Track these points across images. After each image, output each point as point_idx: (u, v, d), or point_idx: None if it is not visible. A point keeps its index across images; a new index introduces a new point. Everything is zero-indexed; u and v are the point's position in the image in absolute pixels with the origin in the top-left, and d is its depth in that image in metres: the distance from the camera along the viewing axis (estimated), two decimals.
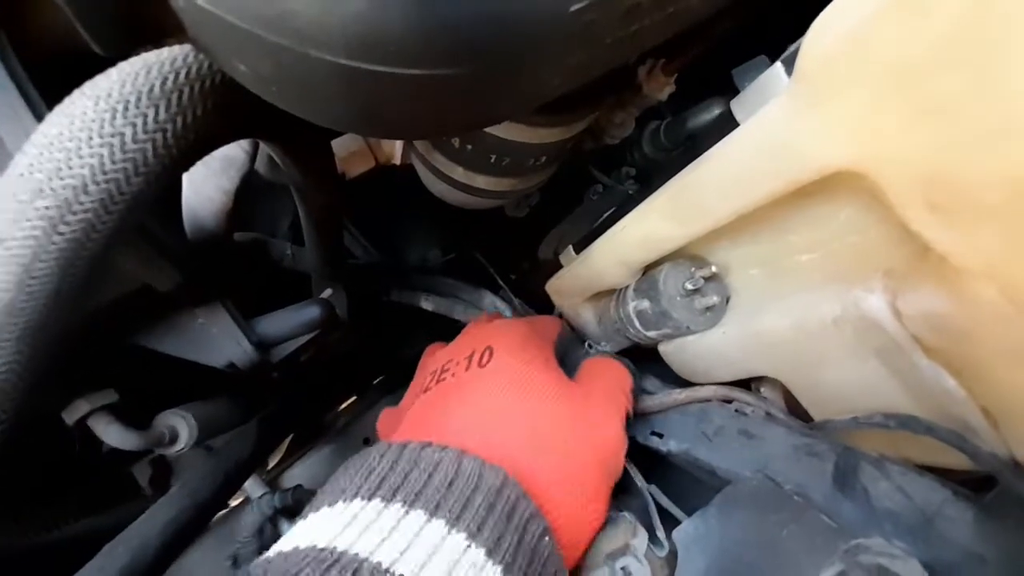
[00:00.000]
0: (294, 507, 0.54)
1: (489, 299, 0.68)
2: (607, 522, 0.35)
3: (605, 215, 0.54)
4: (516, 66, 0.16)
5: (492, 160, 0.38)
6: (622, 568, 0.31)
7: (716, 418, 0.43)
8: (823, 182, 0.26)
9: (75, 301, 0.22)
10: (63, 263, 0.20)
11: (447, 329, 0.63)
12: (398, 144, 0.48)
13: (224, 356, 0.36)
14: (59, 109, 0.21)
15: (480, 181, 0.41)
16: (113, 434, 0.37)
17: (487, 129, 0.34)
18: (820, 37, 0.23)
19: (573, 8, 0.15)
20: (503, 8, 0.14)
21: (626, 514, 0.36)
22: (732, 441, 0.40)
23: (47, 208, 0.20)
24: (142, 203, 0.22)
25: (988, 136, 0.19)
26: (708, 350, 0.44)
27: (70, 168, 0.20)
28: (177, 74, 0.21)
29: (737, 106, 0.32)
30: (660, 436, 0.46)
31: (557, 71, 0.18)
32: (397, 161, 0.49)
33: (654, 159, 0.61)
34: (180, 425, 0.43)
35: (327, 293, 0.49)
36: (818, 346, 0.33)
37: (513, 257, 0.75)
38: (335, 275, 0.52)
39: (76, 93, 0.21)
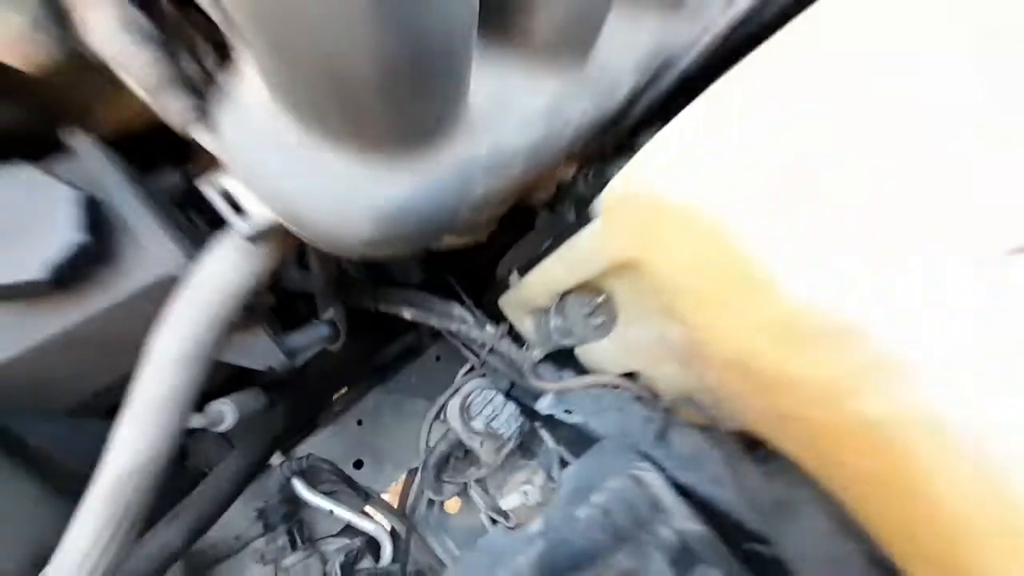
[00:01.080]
0: (307, 471, 0.73)
1: (458, 311, 0.86)
2: (521, 466, 0.54)
3: (547, 243, 0.72)
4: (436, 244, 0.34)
5: None
6: (524, 491, 0.51)
7: (603, 400, 0.62)
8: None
9: None
10: None
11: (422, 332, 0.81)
12: None
13: (264, 362, 0.54)
14: None
15: (445, 240, 0.59)
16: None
17: None
18: (611, 192, 0.41)
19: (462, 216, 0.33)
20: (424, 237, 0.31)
21: (534, 463, 0.55)
22: (611, 414, 0.59)
23: None
24: None
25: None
26: (602, 353, 0.64)
27: None
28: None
29: None
30: (569, 412, 0.65)
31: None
32: None
33: (585, 195, 0.80)
34: (227, 410, 0.62)
35: (330, 313, 0.67)
36: (648, 350, 0.53)
37: (477, 276, 0.93)
38: (336, 294, 0.69)
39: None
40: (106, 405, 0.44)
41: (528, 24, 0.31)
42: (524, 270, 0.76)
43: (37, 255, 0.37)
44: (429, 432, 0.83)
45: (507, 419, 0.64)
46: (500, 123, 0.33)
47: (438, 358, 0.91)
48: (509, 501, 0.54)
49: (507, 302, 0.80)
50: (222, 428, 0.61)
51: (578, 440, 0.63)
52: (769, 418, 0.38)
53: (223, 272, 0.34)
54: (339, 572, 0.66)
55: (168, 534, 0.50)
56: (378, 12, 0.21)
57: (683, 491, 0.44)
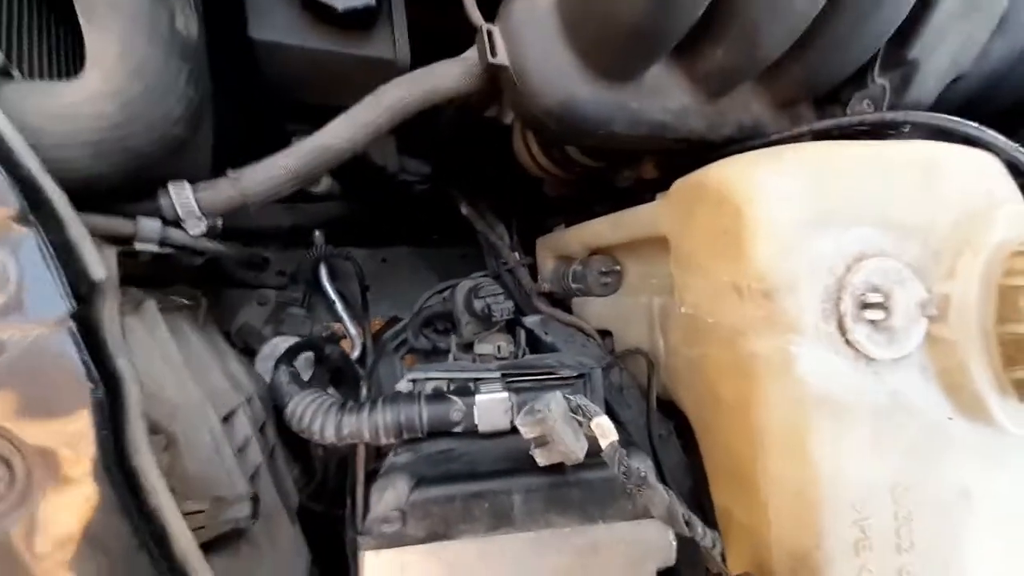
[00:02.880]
0: (335, 264, 0.90)
1: (501, 228, 1.04)
2: (502, 335, 0.71)
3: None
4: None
5: (553, 153, 0.75)
6: (498, 346, 0.68)
7: (576, 338, 0.80)
8: (662, 239, 0.63)
9: None
10: None
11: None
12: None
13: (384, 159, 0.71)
14: None
15: (542, 160, 0.77)
16: None
17: None
18: (683, 179, 0.59)
19: None
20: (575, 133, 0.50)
21: (511, 337, 0.73)
22: (576, 347, 0.77)
23: None
24: None
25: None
26: (593, 309, 0.82)
27: None
28: None
29: None
30: (546, 333, 0.83)
31: None
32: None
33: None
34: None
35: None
36: (631, 314, 0.71)
37: (533, 219, 1.11)
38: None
39: None
40: None
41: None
42: (569, 224, 0.95)
43: None
44: (430, 297, 1.00)
45: (503, 309, 0.81)
46: (648, 97, 0.51)
47: (463, 256, 1.09)
48: (483, 348, 0.71)
49: (543, 243, 0.98)
50: (318, 188, 0.78)
51: (544, 351, 0.80)
52: (685, 364, 0.56)
53: (454, 74, 0.51)
54: (325, 335, 0.82)
55: (279, 211, 0.65)
56: None
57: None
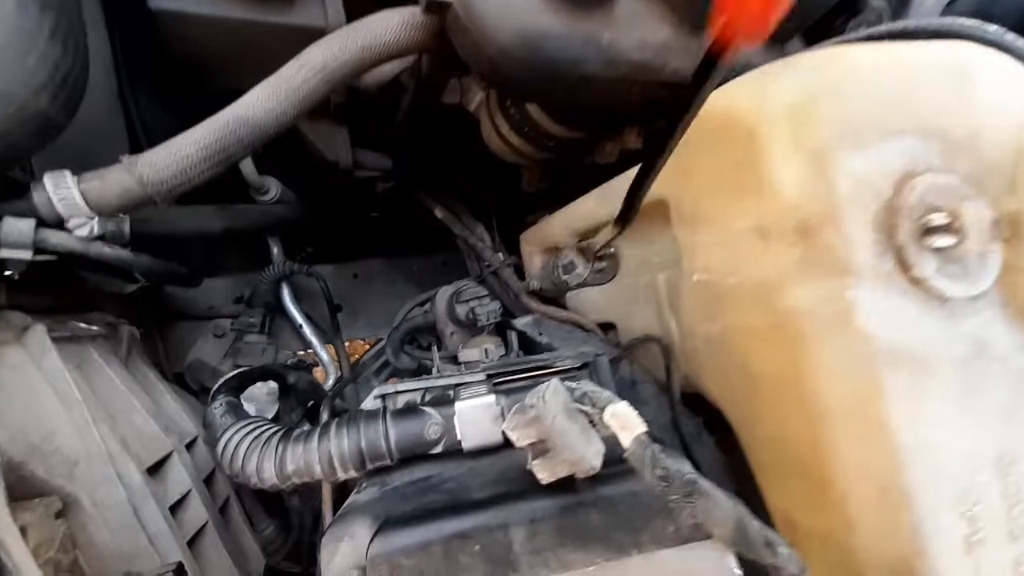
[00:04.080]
0: (297, 282, 0.80)
1: (480, 229, 0.95)
2: (489, 338, 0.62)
3: None
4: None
5: (524, 130, 0.67)
6: (485, 350, 0.58)
7: (574, 334, 0.71)
8: (657, 205, 0.54)
9: None
10: None
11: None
12: (473, 101, 0.75)
13: (334, 154, 0.62)
14: None
15: (514, 139, 0.69)
16: None
17: (530, 110, 0.62)
18: None
19: None
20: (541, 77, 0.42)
21: (498, 338, 0.63)
22: (576, 344, 0.68)
23: None
24: None
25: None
26: (589, 302, 0.72)
27: None
28: None
29: None
30: (540, 334, 0.73)
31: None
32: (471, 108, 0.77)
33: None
34: (272, 183, 0.70)
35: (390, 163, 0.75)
36: (634, 299, 0.62)
37: (512, 215, 1.03)
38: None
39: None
40: None
41: None
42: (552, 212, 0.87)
43: None
44: (410, 310, 0.91)
45: (489, 312, 0.71)
46: (623, 29, 0.44)
47: (444, 263, 1.00)
48: (468, 354, 0.61)
49: (527, 237, 0.89)
50: (266, 197, 0.69)
51: (539, 353, 0.71)
52: (706, 344, 0.47)
53: (392, 23, 0.43)
54: (291, 363, 0.72)
55: (208, 212, 0.56)
56: None
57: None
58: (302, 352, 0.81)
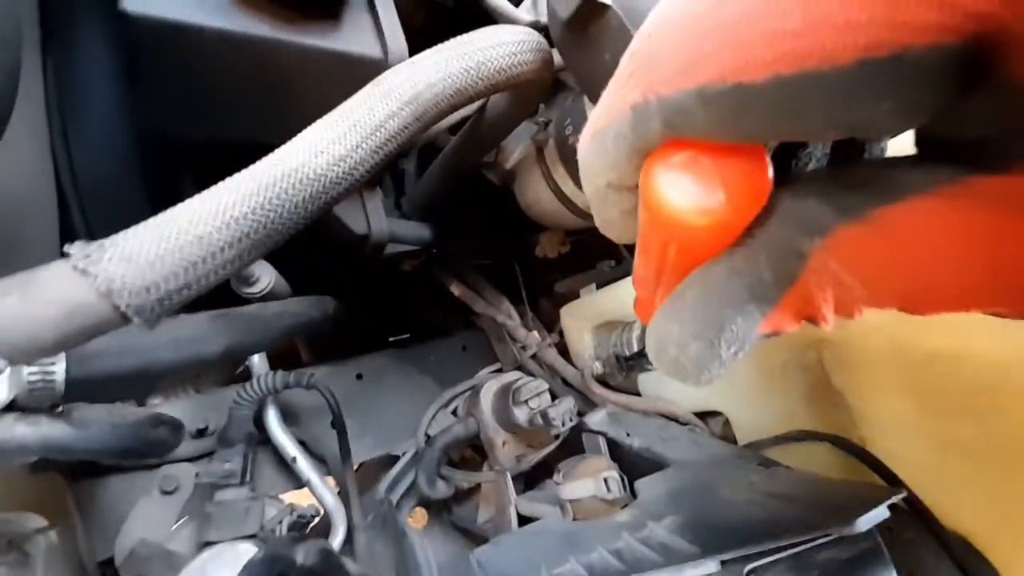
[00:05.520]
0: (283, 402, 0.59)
1: (506, 305, 0.80)
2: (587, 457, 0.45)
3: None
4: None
5: None
6: (604, 479, 0.41)
7: (669, 429, 0.56)
8: None
9: None
10: None
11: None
12: (514, 155, 0.64)
13: (363, 227, 0.46)
14: None
15: (579, 199, 0.58)
16: None
17: None
18: None
19: None
20: None
21: (603, 458, 0.47)
22: (683, 445, 0.53)
23: None
24: None
25: None
26: (676, 384, 0.59)
27: None
28: None
29: None
30: (628, 435, 0.57)
31: None
32: (508, 166, 0.65)
33: None
34: (264, 272, 0.52)
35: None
36: (767, 384, 0.49)
37: (536, 287, 0.89)
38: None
39: None
40: None
41: None
42: (601, 286, 0.74)
43: None
44: (433, 417, 0.71)
45: (564, 413, 0.55)
46: None
47: (464, 348, 0.82)
48: (574, 489, 0.43)
49: (571, 311, 0.76)
50: (254, 289, 0.50)
51: (638, 463, 0.55)
52: (964, 454, 0.35)
53: (504, 40, 0.30)
54: (287, 537, 0.48)
55: (199, 326, 0.35)
56: None
57: None
58: (287, 494, 0.57)
